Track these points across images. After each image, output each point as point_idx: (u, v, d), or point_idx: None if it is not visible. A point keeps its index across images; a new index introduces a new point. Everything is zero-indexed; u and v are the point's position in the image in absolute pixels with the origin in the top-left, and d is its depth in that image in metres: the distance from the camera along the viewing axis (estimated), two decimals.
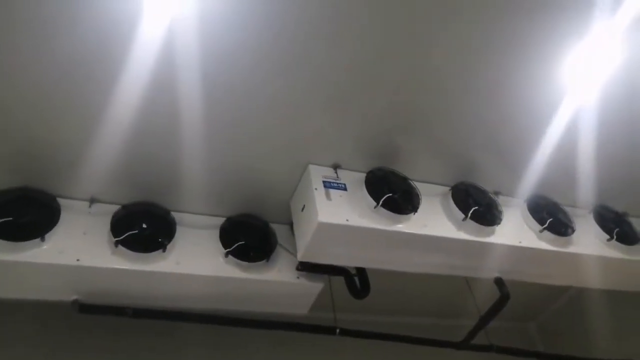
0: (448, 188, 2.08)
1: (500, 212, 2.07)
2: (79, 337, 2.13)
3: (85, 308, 1.74)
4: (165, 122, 1.62)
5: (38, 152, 1.63)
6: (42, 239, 1.61)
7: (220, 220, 1.97)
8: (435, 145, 2.00)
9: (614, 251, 2.20)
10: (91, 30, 1.32)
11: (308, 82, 1.61)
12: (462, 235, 1.93)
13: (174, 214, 1.89)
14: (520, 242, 2.03)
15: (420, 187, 1.99)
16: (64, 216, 1.70)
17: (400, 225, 1.84)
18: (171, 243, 1.79)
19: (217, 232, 1.92)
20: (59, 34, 1.32)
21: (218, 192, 1.95)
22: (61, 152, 1.64)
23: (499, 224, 2.02)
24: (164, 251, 1.76)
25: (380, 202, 1.81)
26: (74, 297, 1.74)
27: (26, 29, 1.29)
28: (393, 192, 1.86)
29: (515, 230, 2.07)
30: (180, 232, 1.85)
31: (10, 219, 1.58)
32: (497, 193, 2.19)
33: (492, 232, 2.00)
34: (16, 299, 1.71)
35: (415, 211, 1.88)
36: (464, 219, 1.95)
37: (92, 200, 1.82)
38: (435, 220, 1.94)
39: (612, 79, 1.82)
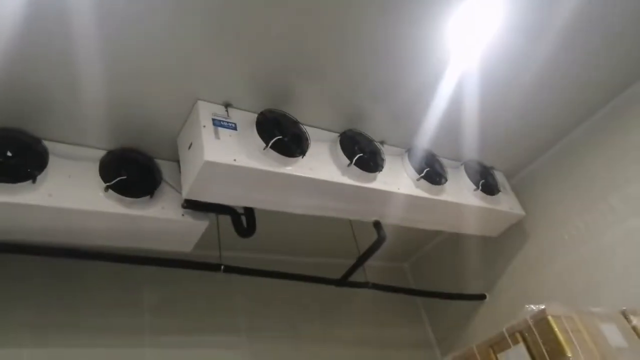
0: (337, 134, 2.14)
1: (383, 160, 2.18)
2: None
3: None
4: (47, 48, 1.49)
5: None
6: None
7: (101, 153, 1.86)
8: (327, 92, 2.03)
9: (478, 200, 2.45)
10: None
11: (199, 17, 1.55)
12: (346, 180, 2.03)
13: (47, 143, 1.75)
14: (398, 189, 2.18)
15: (310, 131, 2.03)
16: None
17: (288, 168, 1.88)
18: (42, 174, 1.67)
19: (96, 165, 1.82)
20: None
21: (99, 123, 1.83)
22: None
23: (380, 171, 2.14)
24: (33, 182, 1.64)
25: (270, 144, 1.83)
26: None
27: None
28: (283, 135, 1.88)
29: (395, 177, 2.21)
30: (53, 162, 1.72)
31: None
32: (382, 142, 2.30)
33: (374, 179, 2.12)
34: None
35: (304, 155, 1.93)
36: (348, 165, 2.04)
37: None
38: (322, 164, 2.01)
39: (492, 43, 1.96)
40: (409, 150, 2.35)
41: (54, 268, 2.11)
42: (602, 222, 2.40)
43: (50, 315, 2.10)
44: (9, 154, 1.61)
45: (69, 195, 1.71)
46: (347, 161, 2.04)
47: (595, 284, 2.35)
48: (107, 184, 1.77)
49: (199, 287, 2.49)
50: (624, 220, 2.31)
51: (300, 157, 1.92)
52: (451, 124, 2.30)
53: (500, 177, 2.72)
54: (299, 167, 1.91)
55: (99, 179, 1.79)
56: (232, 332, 2.55)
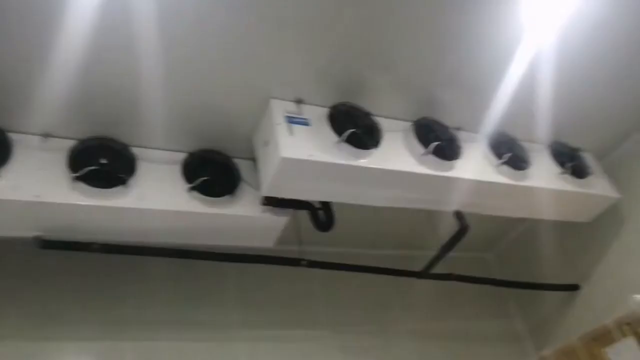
0: (410, 123, 2.10)
1: (460, 147, 2.11)
2: (40, 275, 2.12)
3: (48, 244, 1.73)
4: (122, 55, 1.57)
5: None
6: None
7: (182, 156, 1.95)
8: (398, 81, 2.00)
9: (566, 184, 2.30)
10: None
11: (263, 14, 1.58)
12: (423, 170, 1.98)
13: (134, 149, 1.86)
14: (478, 177, 2.09)
15: (383, 122, 2.01)
16: (16, 151, 1.65)
17: (362, 161, 1.86)
18: (132, 178, 1.77)
19: (179, 168, 1.91)
20: None
21: (179, 127, 1.92)
22: (9, 82, 1.56)
23: (458, 158, 2.07)
24: (125, 186, 1.75)
25: (343, 138, 1.82)
26: (35, 233, 1.72)
27: None
28: (356, 127, 1.87)
29: (474, 164, 2.13)
30: (141, 167, 1.83)
31: None
32: (458, 129, 2.22)
33: (452, 167, 2.05)
34: None
35: (377, 146, 1.91)
36: (424, 154, 1.99)
37: (46, 135, 1.76)
38: (396, 155, 1.98)
39: (570, 19, 1.83)
40: (487, 136, 2.25)
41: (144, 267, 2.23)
42: None
43: (152, 311, 2.24)
44: (103, 161, 1.73)
45: (157, 197, 1.80)
46: (423, 150, 1.99)
47: None
48: (190, 185, 1.85)
49: (281, 282, 2.54)
50: None
51: (374, 148, 1.90)
52: (530, 105, 2.18)
53: (589, 159, 2.53)
54: (373, 159, 1.89)
55: (182, 180, 1.88)
56: (315, 326, 2.58)
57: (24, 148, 1.68)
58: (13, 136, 1.68)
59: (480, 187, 2.12)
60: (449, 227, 2.25)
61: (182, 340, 2.24)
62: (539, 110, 2.24)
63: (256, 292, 2.52)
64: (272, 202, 1.96)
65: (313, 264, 2.22)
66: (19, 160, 1.65)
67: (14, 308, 2.02)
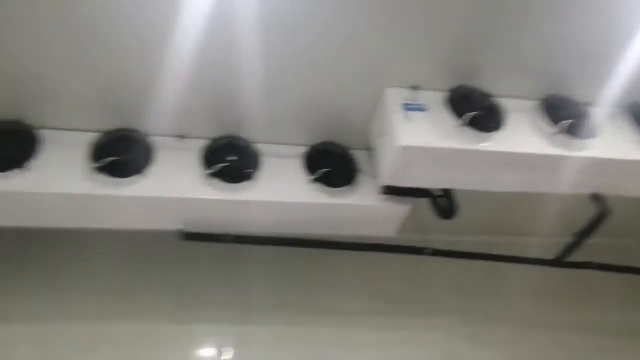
0: (536, 102, 1.95)
1: (594, 125, 1.92)
2: (183, 264, 2.34)
3: (189, 236, 1.90)
4: (242, 59, 1.67)
5: (124, 93, 1.75)
6: (142, 175, 1.76)
7: (302, 149, 2.01)
8: (521, 60, 1.87)
9: None
10: None
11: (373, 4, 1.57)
12: (555, 151, 1.83)
13: (258, 146, 1.96)
14: (621, 155, 1.89)
15: (505, 102, 1.90)
16: (158, 152, 1.83)
17: (486, 144, 1.78)
18: (258, 173, 1.87)
19: (300, 161, 1.98)
20: None
21: (298, 122, 1.98)
22: (146, 90, 1.73)
23: (594, 136, 1.89)
24: (252, 181, 1.85)
25: (464, 121, 1.76)
26: (179, 226, 1.90)
27: None
28: (476, 110, 1.79)
29: (614, 142, 1.93)
30: (265, 162, 1.92)
31: (116, 158, 1.72)
32: (588, 104, 2.03)
33: (588, 146, 1.88)
34: (126, 229, 1.91)
35: (501, 128, 1.81)
36: (555, 133, 1.84)
37: (181, 136, 1.92)
38: (523, 136, 1.86)
39: None
40: (625, 108, 2.02)
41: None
42: None
43: (281, 297, 2.39)
44: (232, 158, 1.85)
45: (282, 190, 1.89)
46: (553, 129, 1.84)
47: None
48: (313, 177, 1.91)
49: (401, 270, 2.53)
50: None
51: (498, 130, 1.80)
52: None
53: None
54: (497, 142, 1.80)
55: (304, 173, 1.94)
56: (438, 314, 2.55)
57: (163, 149, 1.85)
58: (155, 139, 1.86)
59: (623, 167, 1.91)
60: (583, 212, 2.07)
61: (310, 325, 2.34)
62: None
63: (379, 280, 2.54)
64: (392, 191, 1.96)
65: (437, 253, 2.18)
66: (160, 160, 1.82)
67: (164, 294, 2.26)
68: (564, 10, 1.71)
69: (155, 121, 1.84)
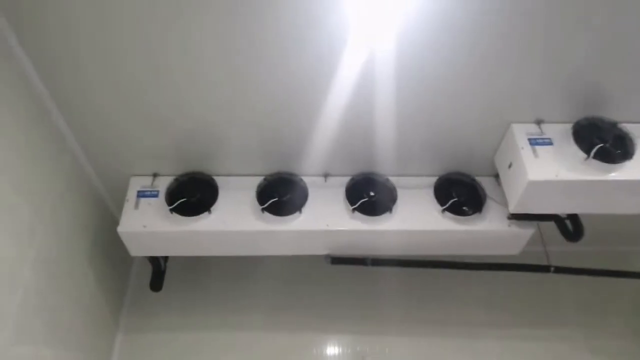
0: None
1: None
2: (329, 284, 2.68)
3: (335, 260, 2.22)
4: (374, 102, 1.90)
5: (281, 142, 2.09)
6: (300, 212, 2.09)
7: (432, 180, 2.22)
8: None
9: None
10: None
11: (504, 37, 1.69)
12: None
13: (392, 179, 2.21)
14: None
15: (635, 128, 1.95)
16: (310, 191, 2.15)
17: (613, 174, 1.87)
18: (395, 205, 2.13)
19: (431, 191, 2.19)
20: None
21: (428, 155, 2.18)
22: (294, 139, 2.07)
23: None
24: (390, 212, 2.11)
25: (591, 154, 1.85)
26: (326, 252, 2.21)
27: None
28: (603, 141, 1.87)
29: None
30: (400, 194, 2.17)
31: (277, 199, 2.07)
32: None
33: None
34: (284, 255, 2.26)
35: (631, 157, 1.88)
36: None
37: (326, 175, 2.22)
38: None
39: None
40: None
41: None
42: None
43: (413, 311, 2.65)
44: (372, 193, 2.12)
45: (415, 219, 2.12)
46: None
47: None
48: (443, 207, 2.12)
49: (525, 284, 2.66)
50: None
51: (627, 160, 1.87)
52: None
53: None
54: (627, 171, 1.87)
55: (435, 202, 2.16)
56: (563, 327, 2.64)
57: (314, 188, 2.17)
58: (305, 179, 2.18)
59: None
60: None
61: (434, 336, 2.58)
62: None
63: (501, 293, 2.68)
64: (519, 216, 2.11)
65: (560, 270, 2.29)
66: (312, 197, 2.14)
67: (312, 309, 2.64)
68: None
69: (305, 163, 2.17)
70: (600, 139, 1.89)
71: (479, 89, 1.89)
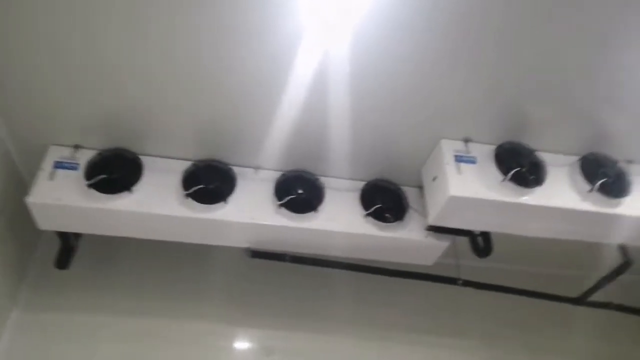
0: (577, 158, 2.14)
1: (630, 183, 2.10)
2: (247, 278, 2.66)
3: (255, 254, 2.20)
4: (320, 108, 1.93)
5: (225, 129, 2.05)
6: (225, 202, 2.05)
7: (361, 184, 2.27)
8: (568, 115, 2.04)
9: None
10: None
11: (440, 58, 1.77)
12: (587, 207, 2.03)
13: (323, 179, 2.22)
14: None
15: (548, 157, 2.10)
16: (239, 182, 2.12)
17: (525, 198, 2.00)
18: (321, 205, 2.14)
19: (358, 195, 2.23)
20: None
21: (359, 160, 2.22)
22: (246, 132, 2.05)
23: (628, 195, 2.07)
24: (315, 212, 2.12)
25: (508, 176, 1.97)
26: (247, 245, 2.19)
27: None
28: (520, 166, 2.00)
29: None
30: (327, 194, 2.19)
31: (203, 186, 2.02)
32: (629, 161, 2.20)
33: (620, 204, 2.07)
34: (203, 244, 2.21)
35: (541, 183, 2.02)
36: (590, 191, 2.04)
37: (257, 168, 2.20)
38: (560, 191, 2.06)
39: None
40: None
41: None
42: None
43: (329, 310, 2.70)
44: (300, 190, 2.14)
45: (339, 221, 2.15)
46: (588, 187, 2.04)
47: None
48: (367, 212, 2.17)
49: (438, 294, 2.78)
50: None
51: (538, 186, 2.01)
52: None
53: None
54: (536, 196, 2.01)
55: (360, 207, 2.20)
56: (466, 336, 2.79)
57: (243, 179, 2.14)
58: (236, 169, 2.15)
59: None
60: (611, 257, 2.27)
61: (353, 337, 2.64)
62: None
63: (413, 300, 2.79)
64: (436, 229, 2.20)
65: (468, 284, 2.42)
66: (240, 188, 2.11)
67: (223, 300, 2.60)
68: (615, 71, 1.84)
69: (238, 153, 2.14)
70: (517, 164, 2.01)
71: (419, 101, 1.95)
